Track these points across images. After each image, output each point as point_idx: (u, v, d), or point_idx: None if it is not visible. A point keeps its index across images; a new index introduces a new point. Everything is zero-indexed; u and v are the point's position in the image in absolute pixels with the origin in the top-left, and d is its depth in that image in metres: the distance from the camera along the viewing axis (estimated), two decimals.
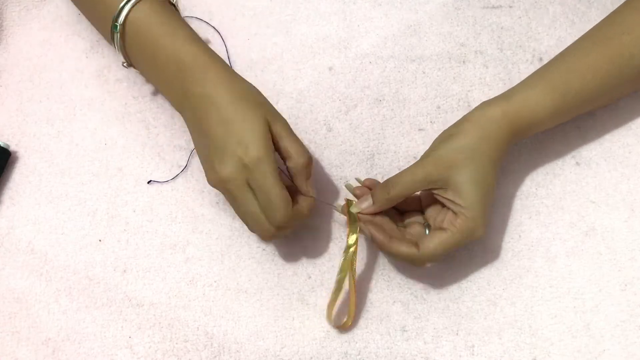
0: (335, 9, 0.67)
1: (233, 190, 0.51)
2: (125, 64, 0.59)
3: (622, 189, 0.60)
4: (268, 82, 0.64)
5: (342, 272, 0.54)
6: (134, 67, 0.59)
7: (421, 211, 0.57)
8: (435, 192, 0.53)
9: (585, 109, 0.58)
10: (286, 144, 0.53)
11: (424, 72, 0.65)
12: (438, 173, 0.52)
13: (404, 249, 0.52)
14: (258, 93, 0.54)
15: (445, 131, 0.55)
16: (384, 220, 0.55)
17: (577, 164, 0.61)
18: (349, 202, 0.56)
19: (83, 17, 0.67)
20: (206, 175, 0.53)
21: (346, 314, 0.56)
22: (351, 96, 0.64)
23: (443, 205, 0.54)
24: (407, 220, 0.57)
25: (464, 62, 0.65)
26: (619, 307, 0.57)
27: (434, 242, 0.52)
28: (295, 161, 0.53)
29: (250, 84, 0.55)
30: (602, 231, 0.59)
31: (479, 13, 0.66)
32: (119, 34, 0.56)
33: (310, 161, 0.54)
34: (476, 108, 0.55)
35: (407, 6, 0.67)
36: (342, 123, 0.63)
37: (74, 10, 0.67)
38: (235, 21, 0.67)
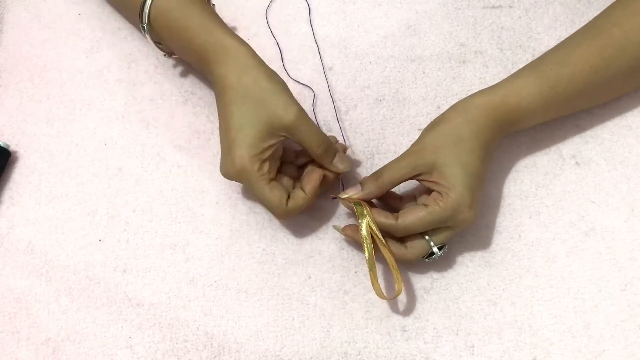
0: (335, 9, 0.67)
1: (236, 181, 0.56)
2: (165, 55, 0.63)
3: (622, 189, 0.60)
4: None
5: (367, 249, 0.54)
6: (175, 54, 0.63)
7: None
8: (421, 178, 0.54)
9: (580, 104, 0.59)
10: (298, 138, 0.54)
11: (424, 72, 0.65)
12: (422, 159, 0.53)
13: (382, 219, 0.53)
14: (269, 88, 0.54)
15: (431, 122, 0.56)
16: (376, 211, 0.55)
17: (577, 164, 0.61)
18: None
19: (83, 17, 0.67)
20: None
21: (393, 285, 0.56)
22: (351, 96, 0.64)
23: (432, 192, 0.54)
24: (402, 211, 0.56)
25: (464, 62, 0.65)
26: (619, 307, 0.57)
27: (412, 215, 0.53)
28: (314, 153, 0.55)
29: (266, 75, 0.54)
30: (602, 231, 0.59)
31: (479, 13, 0.66)
32: (148, 34, 0.59)
33: (328, 146, 0.55)
34: (462, 99, 0.56)
35: (407, 6, 0.67)
36: (342, 123, 0.63)
37: (74, 10, 0.68)
38: (235, 21, 0.67)
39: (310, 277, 0.58)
